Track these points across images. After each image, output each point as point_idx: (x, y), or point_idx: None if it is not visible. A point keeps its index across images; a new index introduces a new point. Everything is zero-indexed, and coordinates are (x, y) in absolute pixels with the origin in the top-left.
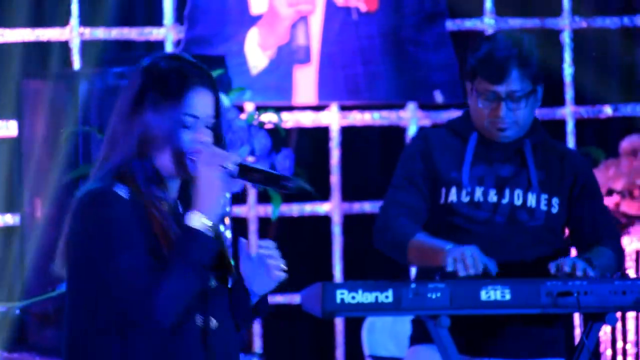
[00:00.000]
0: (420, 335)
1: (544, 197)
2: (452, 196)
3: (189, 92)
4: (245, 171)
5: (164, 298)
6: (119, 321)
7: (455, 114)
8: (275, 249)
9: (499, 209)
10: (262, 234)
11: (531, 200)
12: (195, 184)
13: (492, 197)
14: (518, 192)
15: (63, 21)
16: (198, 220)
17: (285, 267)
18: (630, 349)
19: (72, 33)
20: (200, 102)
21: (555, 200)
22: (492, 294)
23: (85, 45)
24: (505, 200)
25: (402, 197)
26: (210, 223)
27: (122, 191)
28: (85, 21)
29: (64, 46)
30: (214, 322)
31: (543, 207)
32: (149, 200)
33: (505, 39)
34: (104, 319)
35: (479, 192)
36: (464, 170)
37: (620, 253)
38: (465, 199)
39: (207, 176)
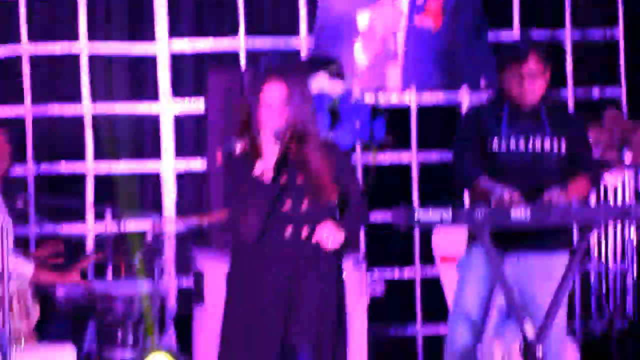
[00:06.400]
0: (473, 240)
1: (555, 142)
2: (495, 145)
3: (264, 84)
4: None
5: (244, 224)
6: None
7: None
8: None
9: (525, 153)
10: (365, 178)
11: (547, 145)
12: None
13: (521, 144)
14: (538, 140)
15: (232, 31)
16: (258, 169)
17: None
18: (610, 249)
19: (240, 42)
20: (273, 91)
21: (562, 144)
22: (519, 213)
23: (250, 50)
24: (530, 146)
25: (467, 149)
26: (268, 169)
27: (237, 148)
28: (250, 33)
29: (235, 52)
30: (304, 234)
31: (555, 149)
32: (248, 158)
33: (524, 38)
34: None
35: (512, 142)
36: (502, 127)
37: (596, 182)
38: (503, 146)
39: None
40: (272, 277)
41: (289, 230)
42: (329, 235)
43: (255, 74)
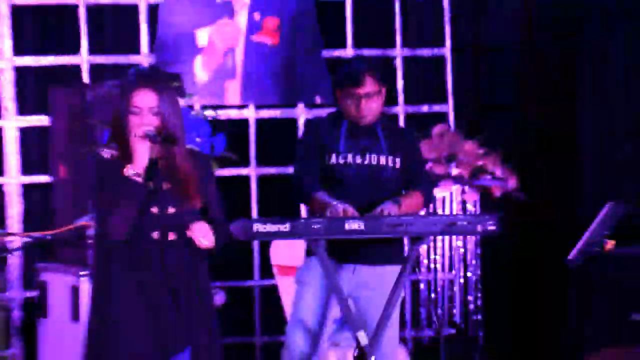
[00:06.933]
0: (310, 251)
1: (390, 158)
2: (333, 159)
3: (134, 91)
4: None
5: (113, 222)
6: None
7: (329, 110)
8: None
9: (362, 167)
10: None
11: (383, 160)
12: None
13: (358, 159)
14: (374, 156)
15: (75, 50)
16: (129, 171)
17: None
18: (439, 259)
19: (83, 59)
20: (143, 98)
21: (397, 160)
22: (353, 225)
23: (92, 67)
24: (366, 161)
25: (306, 164)
26: (138, 171)
27: (107, 154)
28: (91, 50)
29: (77, 68)
30: (170, 237)
31: (390, 164)
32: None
33: (358, 60)
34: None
35: (349, 157)
36: (340, 143)
37: (429, 196)
38: (341, 161)
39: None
40: (143, 278)
41: (156, 233)
42: (203, 234)
43: (125, 83)
